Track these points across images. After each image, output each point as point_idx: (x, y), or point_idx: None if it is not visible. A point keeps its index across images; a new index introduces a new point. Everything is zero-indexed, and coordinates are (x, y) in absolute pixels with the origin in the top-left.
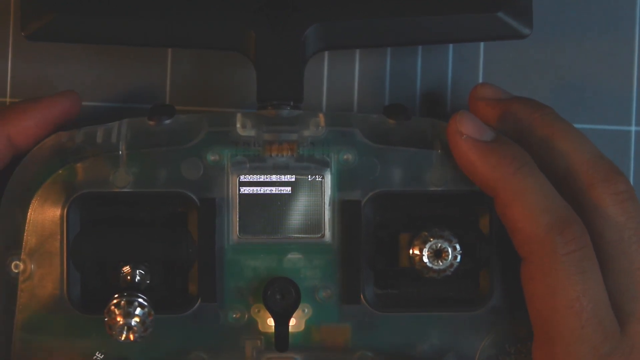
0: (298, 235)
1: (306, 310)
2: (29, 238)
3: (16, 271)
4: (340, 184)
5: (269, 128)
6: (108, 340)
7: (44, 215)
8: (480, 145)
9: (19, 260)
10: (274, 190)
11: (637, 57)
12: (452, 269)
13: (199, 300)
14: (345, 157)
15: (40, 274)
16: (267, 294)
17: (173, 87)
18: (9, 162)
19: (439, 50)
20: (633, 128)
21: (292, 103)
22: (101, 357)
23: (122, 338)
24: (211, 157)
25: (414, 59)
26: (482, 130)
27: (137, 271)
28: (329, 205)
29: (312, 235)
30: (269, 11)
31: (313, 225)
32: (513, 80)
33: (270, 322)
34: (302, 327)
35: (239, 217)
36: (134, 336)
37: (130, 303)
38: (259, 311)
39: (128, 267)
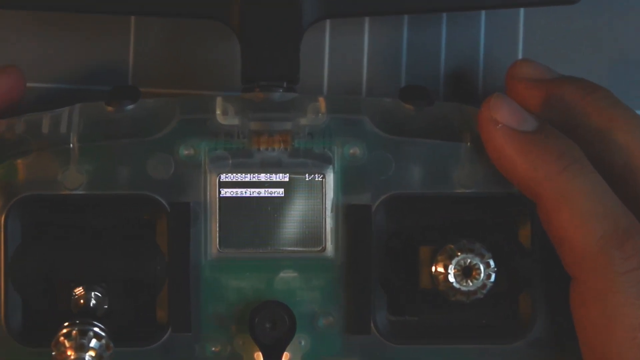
0: (293, 249)
1: (303, 342)
2: None
3: None
4: (345, 185)
5: (256, 115)
6: None
7: None
8: (520, 136)
9: None
10: (263, 192)
11: None
12: (484, 291)
13: (170, 329)
14: (351, 151)
15: None
16: (255, 322)
17: (137, 64)
18: None
19: (468, 18)
20: None
21: (285, 84)
22: None
23: None
24: (184, 151)
25: (437, 29)
26: (522, 118)
27: (93, 293)
28: (332, 211)
29: (310, 249)
30: None
31: (311, 236)
32: (560, 55)
33: (259, 357)
34: None
35: (220, 226)
36: None
37: (84, 333)
38: (243, 343)
39: (81, 288)
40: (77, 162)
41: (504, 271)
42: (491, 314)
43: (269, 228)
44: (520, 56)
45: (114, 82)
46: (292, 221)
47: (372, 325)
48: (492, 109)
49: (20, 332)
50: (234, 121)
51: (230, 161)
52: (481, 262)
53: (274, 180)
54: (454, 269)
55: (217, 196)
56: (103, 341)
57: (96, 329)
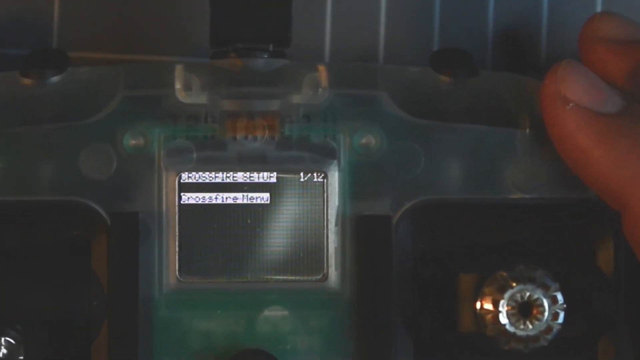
0: (282, 278)
1: None
2: None
3: None
4: (355, 188)
5: (231, 90)
6: None
7: None
8: (599, 121)
9: None
10: (240, 198)
11: None
12: (549, 336)
13: None
14: (363, 140)
15: None
16: None
17: (64, 19)
18: None
19: None
20: None
21: (271, 47)
22: None
23: None
24: (131, 140)
25: None
26: (601, 96)
27: (3, 339)
28: (336, 224)
29: (306, 278)
30: None
31: (308, 259)
32: None
33: None
34: None
35: (180, 246)
36: None
37: None
38: None
39: None
40: None
41: (578, 309)
42: None
43: (248, 248)
44: (599, 8)
45: (32, 44)
46: (281, 239)
47: None
48: (561, 82)
49: None
50: (200, 99)
51: (195, 155)
52: (545, 297)
53: (256, 181)
54: (508, 305)
55: (177, 204)
56: None
57: None
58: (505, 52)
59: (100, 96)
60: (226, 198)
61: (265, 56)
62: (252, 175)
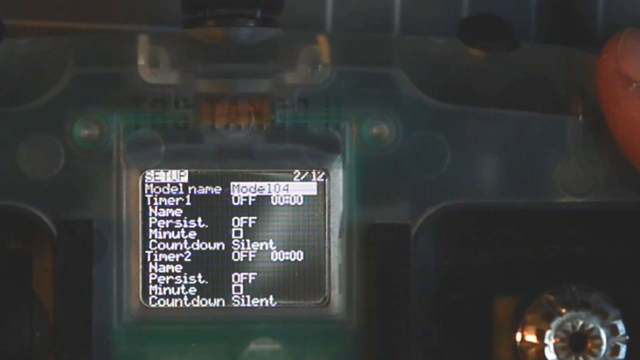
0: (273, 303)
1: None
2: None
3: None
4: (364, 190)
5: (208, 68)
6: None
7: None
8: None
9: None
10: (220, 203)
11: None
12: None
13: None
14: (375, 130)
15: None
16: None
17: None
18: None
19: None
20: None
21: (259, 12)
22: None
23: None
24: (82, 130)
25: None
26: None
27: None
28: (340, 235)
29: (302, 302)
30: None
31: (306, 279)
32: None
33: None
34: None
35: (144, 263)
36: None
37: None
38: None
39: None
40: None
41: None
42: None
43: (230, 266)
44: None
45: None
46: (272, 254)
47: None
48: (622, 57)
49: None
50: (170, 78)
51: (163, 148)
52: (603, 326)
53: (240, 184)
54: (555, 337)
55: (140, 209)
56: None
57: None
58: (553, 20)
59: (44, 75)
60: (202, 202)
61: (252, 24)
62: (234, 174)
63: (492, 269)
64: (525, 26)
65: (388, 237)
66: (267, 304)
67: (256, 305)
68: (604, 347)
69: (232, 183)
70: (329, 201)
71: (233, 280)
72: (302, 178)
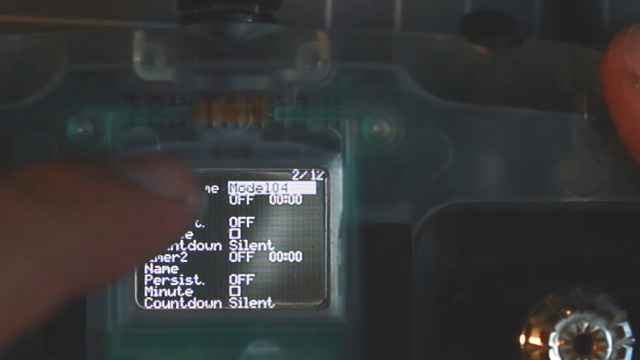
0: (271, 305)
1: None
2: None
3: None
4: (364, 189)
5: (205, 64)
6: None
7: None
8: None
9: None
10: (217, 203)
11: None
12: None
13: None
14: (376, 128)
15: None
16: None
17: None
18: None
19: None
20: None
21: (257, 8)
22: None
23: None
24: (76, 128)
25: None
26: None
27: None
28: (340, 235)
29: (301, 304)
30: None
31: (304, 280)
32: None
33: None
34: None
35: (141, 267)
36: None
37: None
38: None
39: None
40: None
41: None
42: None
43: (227, 267)
44: None
45: None
46: (270, 255)
47: None
48: (628, 54)
49: None
50: (166, 75)
51: (159, 146)
52: (608, 328)
53: (238, 184)
54: (560, 339)
55: None
56: None
57: None
58: (557, 16)
59: (37, 71)
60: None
61: (250, 20)
62: (232, 174)
63: (495, 270)
64: (529, 22)
65: (389, 238)
66: (265, 306)
67: (254, 307)
68: (609, 350)
69: (229, 182)
70: (329, 201)
71: (230, 281)
72: (301, 177)
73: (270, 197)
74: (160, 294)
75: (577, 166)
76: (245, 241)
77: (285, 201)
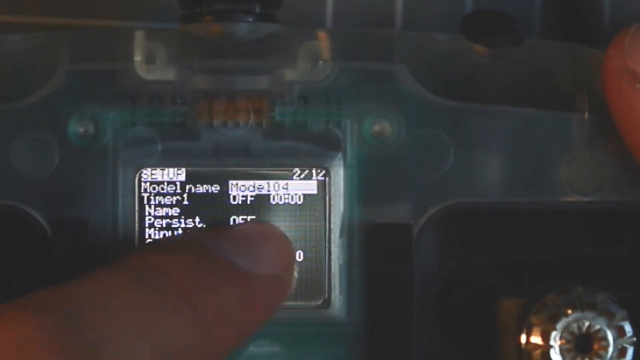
0: None
1: None
2: None
3: None
4: (365, 189)
5: (206, 64)
6: None
7: None
8: None
9: None
10: (218, 202)
11: None
12: None
13: None
14: (376, 128)
15: None
16: None
17: None
18: None
19: None
20: None
21: (257, 7)
22: None
23: None
24: (77, 127)
25: None
26: None
27: None
28: (341, 235)
29: (302, 304)
30: None
31: (305, 279)
32: None
33: None
34: None
35: None
36: None
37: None
38: None
39: None
40: None
41: None
42: None
43: None
44: None
45: None
46: None
47: None
48: (629, 53)
49: None
50: (167, 74)
51: (160, 146)
52: (609, 327)
53: (239, 183)
54: (561, 338)
55: (137, 208)
56: None
57: None
58: (558, 15)
59: (38, 71)
60: (200, 201)
61: (250, 19)
62: (233, 174)
63: (496, 270)
64: (529, 22)
65: (389, 237)
66: None
67: None
68: (610, 349)
69: (230, 182)
70: (330, 200)
71: None
72: (302, 177)
73: (271, 197)
74: None
75: (578, 166)
76: None
77: (286, 201)
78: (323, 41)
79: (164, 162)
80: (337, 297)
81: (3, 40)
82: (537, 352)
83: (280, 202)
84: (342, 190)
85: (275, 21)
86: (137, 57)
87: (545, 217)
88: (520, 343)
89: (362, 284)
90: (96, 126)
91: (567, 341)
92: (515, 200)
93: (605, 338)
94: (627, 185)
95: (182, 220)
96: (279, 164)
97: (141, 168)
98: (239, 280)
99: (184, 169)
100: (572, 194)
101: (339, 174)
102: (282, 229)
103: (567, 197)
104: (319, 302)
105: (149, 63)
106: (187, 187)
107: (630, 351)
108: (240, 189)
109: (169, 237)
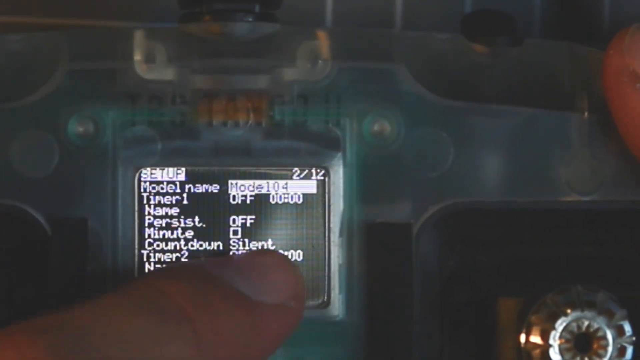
0: None
1: None
2: None
3: None
4: (365, 188)
5: (206, 63)
6: None
7: None
8: None
9: None
10: (218, 202)
11: None
12: None
13: None
14: (376, 127)
15: None
16: None
17: None
18: None
19: None
20: None
21: (257, 7)
22: None
23: None
24: (77, 127)
25: None
26: None
27: None
28: (340, 234)
29: None
30: None
31: (305, 279)
32: None
33: None
34: None
35: (141, 263)
36: None
37: None
38: None
39: None
40: None
41: None
42: None
43: None
44: None
45: None
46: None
47: None
48: (629, 53)
49: None
50: (166, 74)
51: (159, 145)
52: (609, 327)
53: (239, 182)
54: (561, 338)
55: (136, 208)
56: None
57: None
58: (558, 15)
59: (38, 71)
60: (200, 201)
61: (250, 19)
62: (233, 173)
63: (496, 269)
64: (529, 21)
65: (389, 237)
66: None
67: None
68: (610, 348)
69: (230, 181)
70: (329, 200)
71: None
72: (301, 176)
73: (271, 196)
74: None
75: (578, 165)
76: (246, 240)
77: (286, 200)
78: (323, 41)
79: (163, 162)
80: (336, 297)
81: (3, 40)
82: (537, 351)
83: (280, 202)
84: (341, 189)
85: (275, 21)
86: (137, 57)
87: (545, 217)
88: (520, 342)
89: (361, 284)
90: (96, 125)
91: (567, 340)
92: (515, 199)
93: (604, 337)
94: (627, 185)
95: (182, 220)
96: (278, 163)
97: (141, 167)
98: (243, 307)
99: (183, 169)
100: (572, 193)
101: (338, 174)
102: (281, 228)
103: (566, 197)
104: (319, 302)
105: (148, 62)
106: (187, 186)
107: (629, 350)
108: (240, 189)
109: (174, 262)
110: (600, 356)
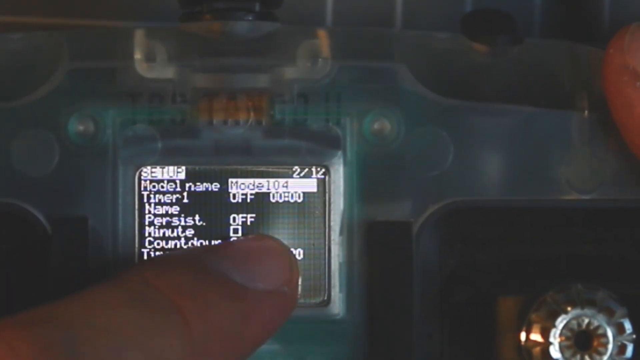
0: None
1: None
2: None
3: None
4: (365, 187)
5: (206, 62)
6: None
7: None
8: None
9: None
10: (218, 200)
11: None
12: None
13: None
14: (376, 126)
15: None
16: None
17: None
18: None
19: None
20: None
21: (257, 6)
22: None
23: None
24: (77, 126)
25: None
26: None
27: None
28: (341, 233)
29: (302, 302)
30: None
31: (305, 277)
32: None
33: None
34: None
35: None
36: None
37: None
38: None
39: None
40: None
41: None
42: None
43: None
44: None
45: None
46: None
47: None
48: (629, 51)
49: None
50: (166, 72)
51: (160, 144)
52: (609, 325)
53: (239, 181)
54: (561, 335)
55: (137, 206)
56: None
57: None
58: (558, 14)
59: (38, 70)
60: (201, 200)
61: (250, 18)
62: (233, 172)
63: (496, 268)
64: (529, 21)
65: (390, 235)
66: None
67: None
68: (610, 346)
69: (230, 180)
70: (329, 198)
71: None
72: (301, 175)
73: (271, 195)
74: None
75: (578, 163)
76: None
77: (286, 199)
78: (323, 39)
79: (164, 160)
80: (337, 295)
81: (4, 39)
82: (537, 349)
83: (280, 200)
84: (341, 188)
85: (275, 20)
86: (137, 55)
87: (545, 215)
88: (520, 340)
89: (362, 282)
90: (96, 124)
91: (567, 338)
92: (515, 198)
93: (605, 335)
94: (627, 183)
95: (182, 219)
96: (278, 162)
97: (141, 166)
98: (235, 295)
99: (183, 167)
100: (572, 192)
101: (338, 172)
102: (281, 227)
103: (566, 195)
104: (319, 300)
105: (149, 61)
106: (187, 185)
107: (629, 348)
108: (240, 187)
109: (165, 253)
110: (601, 354)
